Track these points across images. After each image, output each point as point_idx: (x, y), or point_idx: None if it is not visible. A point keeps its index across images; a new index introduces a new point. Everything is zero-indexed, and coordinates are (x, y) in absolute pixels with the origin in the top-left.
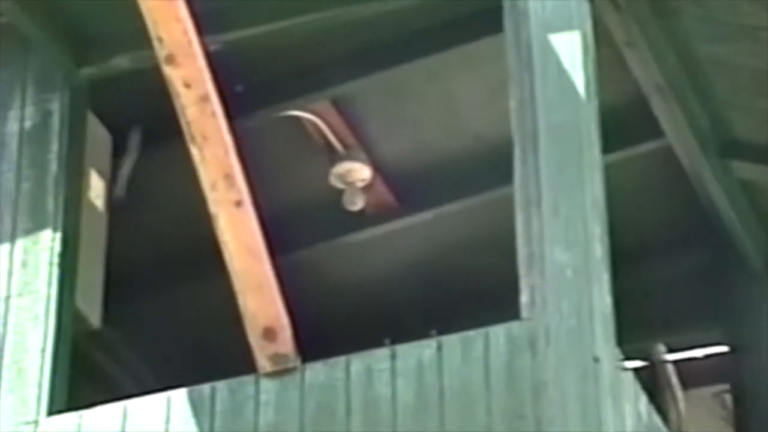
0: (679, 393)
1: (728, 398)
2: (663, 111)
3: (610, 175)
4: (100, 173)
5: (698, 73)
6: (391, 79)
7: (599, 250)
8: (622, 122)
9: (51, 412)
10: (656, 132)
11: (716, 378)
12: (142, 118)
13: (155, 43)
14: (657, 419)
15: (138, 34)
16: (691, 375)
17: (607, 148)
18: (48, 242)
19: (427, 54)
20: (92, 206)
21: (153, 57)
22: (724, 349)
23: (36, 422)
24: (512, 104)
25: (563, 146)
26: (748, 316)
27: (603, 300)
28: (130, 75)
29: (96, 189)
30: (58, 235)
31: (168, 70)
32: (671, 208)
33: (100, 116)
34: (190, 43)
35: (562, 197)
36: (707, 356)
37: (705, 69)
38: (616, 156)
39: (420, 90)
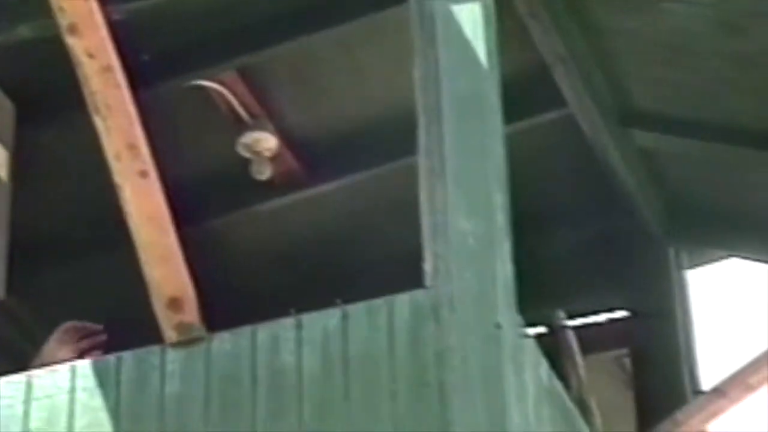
0: (579, 359)
1: (628, 362)
2: (565, 81)
3: (513, 144)
4: (4, 143)
5: (600, 43)
6: (298, 48)
7: (501, 218)
8: (525, 92)
9: None
10: (558, 101)
11: (616, 343)
12: (46, 87)
13: (57, 13)
14: (558, 385)
15: (40, 3)
16: (592, 340)
17: (509, 117)
18: None
19: (334, 24)
20: None
21: (56, 26)
22: (623, 314)
23: None
24: (416, 74)
25: (466, 116)
26: (647, 282)
27: (505, 268)
28: (34, 43)
29: None
30: None
31: (70, 40)
32: (573, 177)
33: (3, 86)
34: (92, 12)
35: (464, 167)
36: (607, 322)
37: (606, 39)
38: (519, 125)
39: (327, 59)
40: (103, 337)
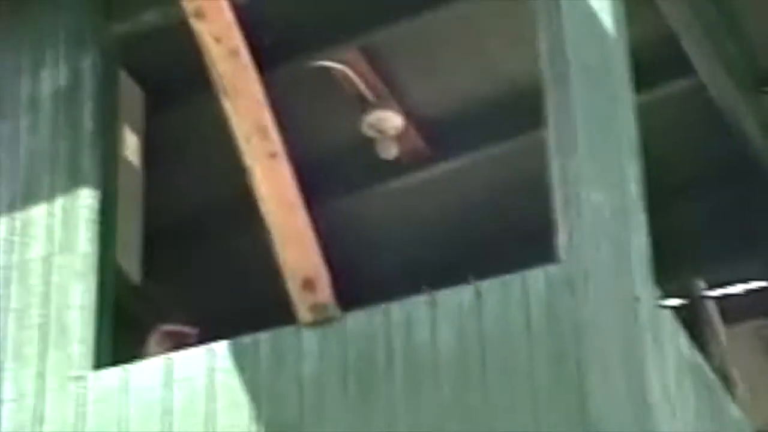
0: (719, 328)
1: None
2: (694, 48)
3: (643, 114)
4: (134, 129)
5: (728, 8)
6: (421, 26)
7: (635, 189)
8: (654, 61)
9: (96, 366)
10: (688, 69)
11: (756, 313)
12: (175, 73)
13: None
14: (698, 356)
15: None
16: (731, 310)
17: (639, 87)
18: (87, 200)
19: (456, 0)
20: (127, 162)
21: (182, 12)
22: (763, 283)
23: (82, 377)
24: (541, 47)
25: (595, 87)
26: None
27: (640, 239)
28: (161, 30)
29: (130, 145)
30: (96, 193)
31: (197, 25)
32: (706, 145)
33: (132, 73)
34: None
35: (596, 138)
36: (746, 291)
37: (735, 3)
38: (649, 95)
39: (450, 36)
40: (195, 339)
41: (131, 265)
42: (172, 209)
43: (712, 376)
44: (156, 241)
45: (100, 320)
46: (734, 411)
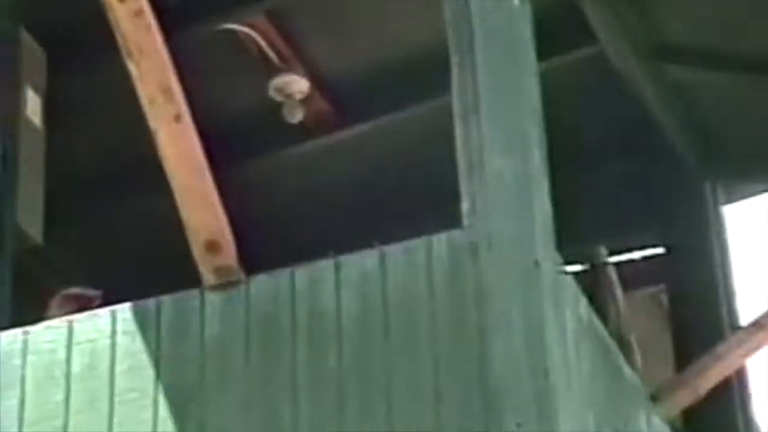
0: (619, 295)
1: (664, 298)
2: (596, 16)
3: (546, 81)
4: (36, 89)
5: None
6: None
7: (538, 155)
8: (557, 29)
9: None
10: (590, 37)
11: (653, 279)
12: (78, 33)
13: None
14: (597, 321)
15: None
16: (629, 277)
17: (541, 54)
18: None
19: None
20: (29, 122)
21: None
22: (660, 251)
23: None
24: (447, 12)
25: (499, 53)
26: (683, 218)
27: (543, 205)
28: None
29: (32, 105)
30: None
31: None
32: (607, 114)
33: (34, 33)
34: None
35: (499, 104)
36: (644, 258)
37: None
38: (551, 62)
39: (355, 0)
40: (98, 302)
41: (32, 226)
42: (74, 171)
43: (609, 341)
44: (58, 202)
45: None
46: (630, 376)
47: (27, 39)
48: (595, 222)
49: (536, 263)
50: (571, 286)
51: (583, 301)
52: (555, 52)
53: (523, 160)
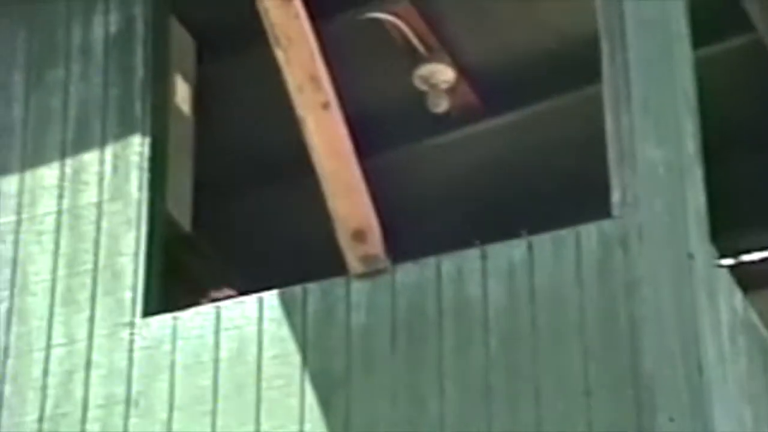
0: None
1: None
2: (753, 4)
3: (700, 70)
4: (185, 78)
5: None
6: None
7: (691, 146)
8: (712, 16)
9: (146, 313)
10: (747, 25)
11: None
12: (227, 22)
13: None
14: (753, 315)
15: None
16: None
17: (696, 43)
18: (137, 147)
19: None
20: (179, 111)
21: None
22: None
23: (132, 323)
24: (598, 0)
25: (652, 41)
26: None
27: (696, 196)
28: None
29: (182, 93)
30: (147, 140)
31: None
32: (763, 103)
33: (183, 20)
34: None
35: (652, 93)
36: None
37: None
38: (706, 51)
39: None
40: None
41: (181, 213)
42: (223, 159)
43: (766, 336)
44: (206, 190)
45: (149, 268)
46: None
47: (177, 27)
48: (751, 214)
49: (689, 255)
50: (726, 279)
51: (738, 294)
52: (710, 40)
53: (675, 151)
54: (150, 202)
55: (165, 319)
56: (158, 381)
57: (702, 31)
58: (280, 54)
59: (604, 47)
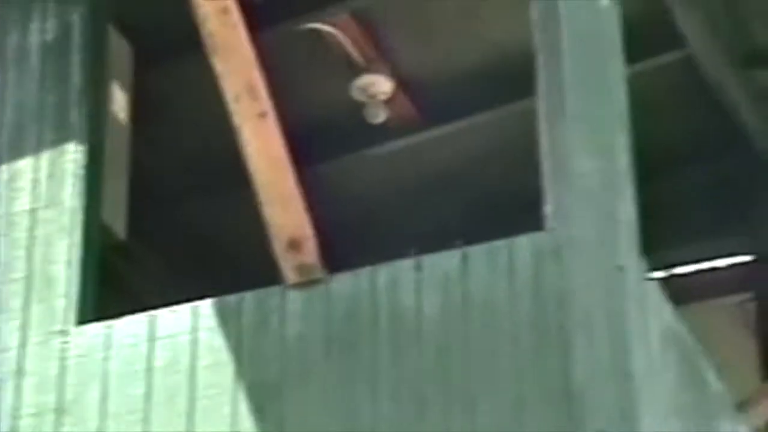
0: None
1: (751, 307)
2: (686, 20)
3: (633, 85)
4: (122, 85)
5: None
6: None
7: (624, 159)
8: (646, 32)
9: (80, 321)
10: (679, 42)
11: (739, 287)
12: (165, 30)
13: None
14: (682, 328)
15: None
16: (715, 285)
17: (630, 58)
18: (73, 154)
19: None
20: (115, 118)
21: None
22: (747, 258)
23: (65, 332)
24: (534, 14)
25: (586, 56)
26: None
27: (627, 209)
28: None
29: (118, 101)
30: (83, 148)
31: None
32: (695, 118)
33: (121, 28)
34: None
35: (586, 107)
36: (731, 266)
37: None
38: (639, 66)
39: (442, 2)
40: None
41: (117, 221)
42: (159, 167)
43: (695, 349)
44: (142, 198)
45: (84, 275)
46: (716, 385)
47: (114, 35)
48: (682, 228)
49: (620, 268)
50: (656, 292)
51: (668, 307)
52: (643, 55)
53: (608, 164)
54: (85, 210)
55: (98, 327)
56: (91, 389)
57: (636, 47)
58: (217, 63)
59: (540, 61)
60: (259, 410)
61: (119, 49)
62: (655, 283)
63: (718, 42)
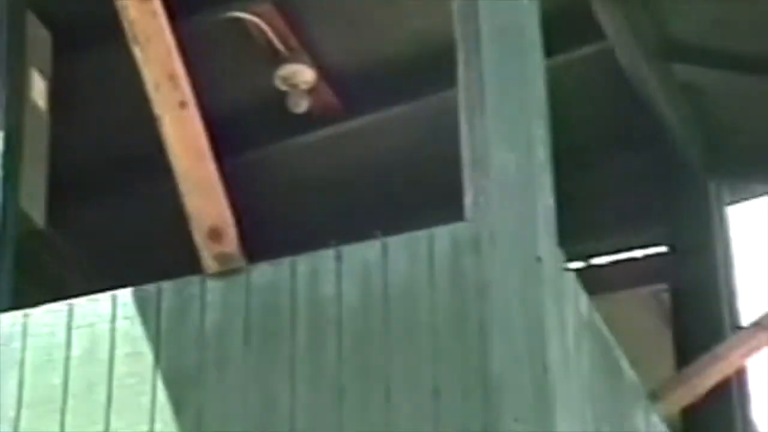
0: None
1: (666, 297)
2: (604, 13)
3: (552, 78)
4: (42, 72)
5: None
6: None
7: (542, 151)
8: (564, 25)
9: None
10: (597, 34)
11: (655, 278)
12: (85, 17)
13: None
14: (597, 318)
15: None
16: (630, 275)
17: (549, 50)
18: None
19: None
20: (34, 106)
21: None
22: (663, 249)
23: None
24: (455, 6)
25: (505, 48)
26: (688, 218)
27: (545, 201)
28: None
29: (37, 88)
30: (1, 134)
31: None
32: (613, 111)
33: (40, 14)
34: None
35: (505, 99)
36: (646, 257)
37: None
38: (558, 59)
39: None
40: None
41: (35, 209)
42: (78, 155)
43: (610, 338)
44: (61, 186)
45: (1, 264)
46: (629, 374)
47: (33, 21)
48: (599, 219)
49: (538, 259)
50: (572, 283)
51: (584, 297)
52: (562, 48)
53: (527, 156)
54: (2, 197)
55: (16, 315)
56: (8, 379)
57: (554, 39)
58: (137, 52)
59: (460, 52)
60: (177, 399)
61: (38, 36)
62: (573, 273)
63: (636, 34)
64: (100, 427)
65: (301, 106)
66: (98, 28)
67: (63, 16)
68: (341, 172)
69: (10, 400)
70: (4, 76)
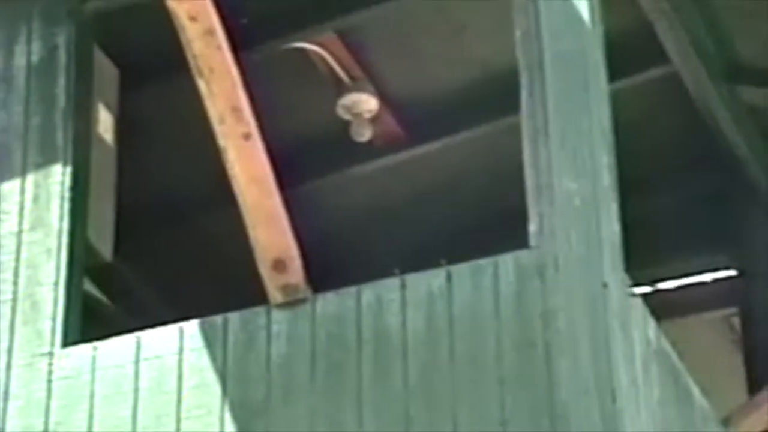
0: None
1: (736, 321)
2: (669, 37)
3: (616, 102)
4: (108, 107)
5: None
6: (397, 8)
7: (607, 178)
8: (628, 49)
9: (65, 343)
10: (662, 58)
11: (724, 302)
12: (150, 51)
13: None
14: (666, 344)
15: None
16: (700, 300)
17: (613, 75)
18: (59, 176)
19: None
20: (101, 140)
21: None
22: (732, 273)
23: (51, 354)
24: (517, 33)
25: (569, 74)
26: (756, 240)
27: (611, 227)
28: (136, 8)
29: (104, 123)
30: (69, 169)
31: (173, 4)
32: (678, 135)
33: (107, 50)
34: None
35: (569, 126)
36: (715, 281)
37: None
38: (623, 83)
39: (426, 20)
40: None
41: (103, 243)
42: (145, 188)
43: (679, 364)
44: (128, 219)
45: (69, 297)
46: (700, 400)
47: (100, 56)
48: (666, 243)
49: (604, 285)
50: (640, 308)
51: (652, 323)
52: (627, 72)
53: (591, 183)
54: (70, 232)
55: (84, 349)
56: (77, 412)
57: (618, 64)
58: (202, 85)
59: (523, 79)
60: (245, 431)
61: (105, 70)
62: (639, 299)
63: (701, 58)
64: None
65: (364, 134)
66: (164, 61)
67: (129, 52)
68: (404, 200)
69: None
70: (72, 111)
